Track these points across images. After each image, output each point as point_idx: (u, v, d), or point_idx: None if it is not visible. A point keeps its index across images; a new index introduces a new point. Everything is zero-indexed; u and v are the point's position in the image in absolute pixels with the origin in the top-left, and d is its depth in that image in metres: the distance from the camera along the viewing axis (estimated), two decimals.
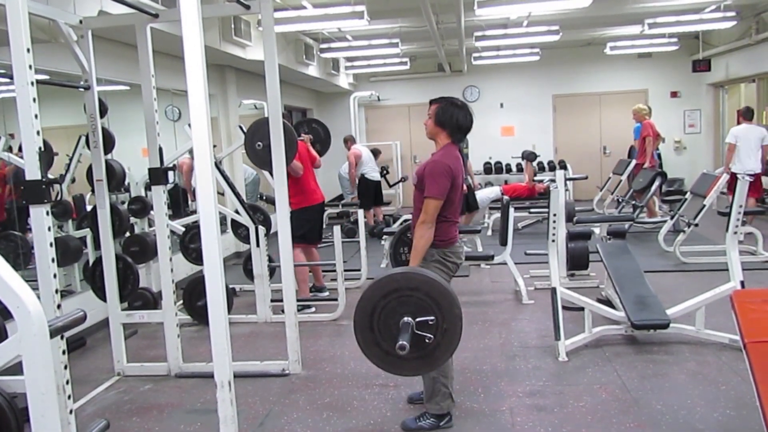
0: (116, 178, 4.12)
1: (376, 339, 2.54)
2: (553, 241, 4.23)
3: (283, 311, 3.88)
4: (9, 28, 2.39)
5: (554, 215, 4.29)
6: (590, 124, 11.80)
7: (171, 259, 3.88)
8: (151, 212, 4.80)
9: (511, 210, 5.57)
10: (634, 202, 7.72)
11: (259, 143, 4.09)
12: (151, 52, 3.72)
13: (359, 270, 5.90)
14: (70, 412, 2.61)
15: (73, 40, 3.49)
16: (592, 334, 3.97)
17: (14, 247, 4.43)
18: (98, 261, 3.98)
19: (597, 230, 6.23)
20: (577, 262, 5.29)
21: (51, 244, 2.58)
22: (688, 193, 6.96)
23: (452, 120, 2.93)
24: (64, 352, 2.58)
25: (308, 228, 5.22)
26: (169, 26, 4.77)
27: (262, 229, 4.94)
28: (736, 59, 9.81)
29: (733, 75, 10.04)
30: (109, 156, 4.07)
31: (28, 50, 2.42)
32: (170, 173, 3.92)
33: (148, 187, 4.77)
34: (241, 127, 5.46)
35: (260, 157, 4.12)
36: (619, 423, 2.98)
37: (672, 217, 6.82)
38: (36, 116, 2.46)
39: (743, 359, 2.32)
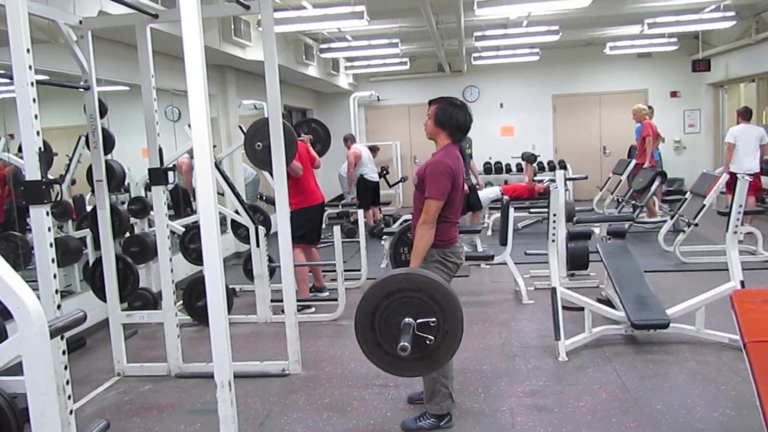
0: (116, 179, 4.12)
1: (376, 339, 2.55)
2: (553, 241, 4.23)
3: (283, 311, 3.88)
4: (9, 28, 2.39)
5: (554, 215, 4.29)
6: (590, 124, 11.80)
7: (171, 260, 3.88)
8: (151, 212, 4.80)
9: (511, 210, 5.57)
10: (634, 202, 7.73)
11: (259, 143, 4.09)
12: (151, 53, 3.72)
13: (359, 270, 5.90)
14: (70, 412, 2.61)
15: (72, 41, 3.49)
16: (592, 334, 3.97)
17: (14, 247, 4.42)
18: (98, 261, 3.98)
19: (597, 230, 6.23)
20: (577, 262, 5.29)
21: (51, 245, 2.58)
22: (688, 193, 6.97)
23: (452, 120, 2.93)
24: (64, 353, 2.58)
25: (308, 228, 5.22)
26: (169, 26, 4.77)
27: (262, 230, 4.94)
28: (735, 59, 9.81)
29: (732, 75, 10.05)
30: (109, 156, 4.07)
31: (28, 50, 2.42)
32: (170, 173, 3.92)
33: (148, 188, 4.77)
34: (240, 128, 5.46)
35: (260, 158, 4.12)
36: (619, 423, 2.98)
37: (672, 217, 6.83)
38: (36, 117, 2.46)
39: (743, 359, 2.32)
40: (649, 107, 9.34)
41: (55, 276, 2.61)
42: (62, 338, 2.56)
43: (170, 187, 6.61)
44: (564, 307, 4.01)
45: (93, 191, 3.82)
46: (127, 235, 4.54)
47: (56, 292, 2.62)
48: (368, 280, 5.81)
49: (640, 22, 8.19)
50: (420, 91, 11.55)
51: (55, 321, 1.60)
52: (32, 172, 2.54)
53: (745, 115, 7.34)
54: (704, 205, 6.28)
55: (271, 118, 3.74)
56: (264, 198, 8.01)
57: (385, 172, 10.73)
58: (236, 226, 5.51)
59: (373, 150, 9.59)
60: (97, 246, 4.08)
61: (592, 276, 5.56)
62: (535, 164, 9.81)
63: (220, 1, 5.61)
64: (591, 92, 11.67)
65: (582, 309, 4.02)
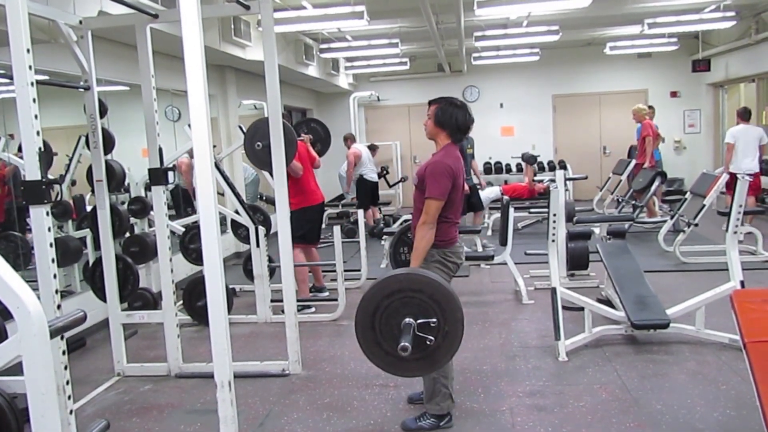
0: (116, 179, 4.12)
1: (376, 338, 2.55)
2: (553, 241, 4.23)
3: (283, 311, 3.88)
4: (9, 28, 2.39)
5: (554, 215, 4.29)
6: (590, 124, 11.80)
7: (171, 260, 3.87)
8: (151, 212, 4.80)
9: (511, 210, 5.57)
10: (634, 202, 7.73)
11: (259, 143, 4.08)
12: (151, 53, 3.72)
13: (359, 270, 5.90)
14: (70, 412, 2.61)
15: (72, 41, 3.49)
16: (592, 334, 3.97)
17: (14, 247, 4.42)
18: (98, 261, 3.98)
19: (597, 230, 6.23)
20: (577, 262, 5.29)
21: (51, 245, 2.58)
22: (688, 193, 6.97)
23: (452, 120, 2.93)
24: (64, 353, 2.58)
25: (308, 228, 5.22)
26: (169, 26, 4.77)
27: (262, 230, 4.94)
28: (735, 59, 9.81)
29: (732, 75, 10.05)
30: (109, 156, 4.07)
31: (28, 51, 2.42)
32: (170, 173, 3.92)
33: (148, 188, 4.77)
34: (240, 127, 5.46)
35: (260, 158, 4.12)
36: (619, 423, 2.98)
37: (672, 217, 6.83)
38: (36, 116, 2.46)
39: (743, 359, 2.32)
40: (651, 107, 9.35)
41: (55, 276, 2.61)
42: (62, 338, 2.56)
43: (171, 187, 6.63)
44: (564, 307, 4.01)
45: (93, 191, 3.82)
46: (127, 235, 4.53)
47: (56, 292, 2.62)
48: (368, 280, 5.81)
49: (640, 22, 8.19)
50: (420, 91, 11.55)
51: (55, 321, 1.60)
52: (32, 172, 2.54)
53: (744, 115, 7.35)
54: (704, 205, 6.28)
55: (271, 118, 3.74)
56: (264, 198, 8.01)
57: (385, 172, 10.73)
58: (236, 226, 5.51)
59: (373, 148, 9.59)
60: (97, 246, 4.08)
61: (592, 276, 5.56)
62: (534, 165, 9.82)
63: (220, 1, 5.61)
64: (591, 92, 11.67)
65: (582, 309, 4.02)
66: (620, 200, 8.50)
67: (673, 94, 11.44)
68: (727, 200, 6.71)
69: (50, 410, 1.53)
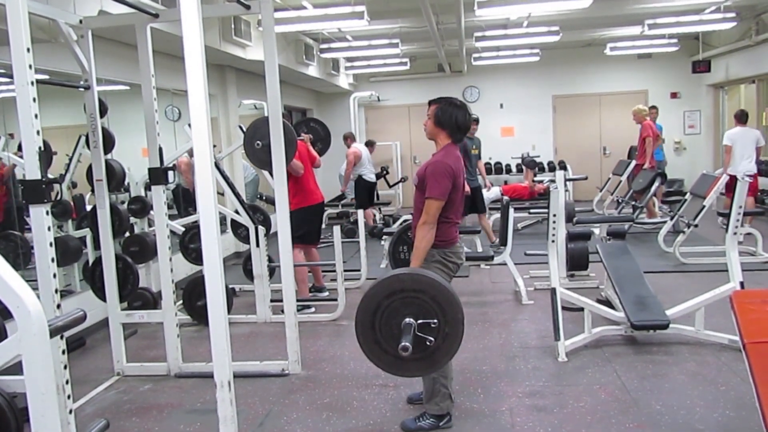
0: (116, 178, 4.12)
1: (376, 338, 2.55)
2: (553, 241, 4.23)
3: (282, 311, 3.88)
4: (9, 27, 2.39)
5: (554, 216, 4.29)
6: (590, 124, 11.80)
7: (171, 259, 3.87)
8: (151, 212, 4.80)
9: (511, 210, 5.57)
10: (633, 203, 7.73)
11: (259, 142, 4.07)
12: (151, 52, 3.72)
13: (359, 270, 5.90)
14: (70, 411, 2.62)
15: (73, 40, 3.49)
16: (591, 335, 3.97)
17: (14, 246, 4.42)
18: (98, 261, 3.98)
19: (597, 231, 6.23)
20: (576, 262, 5.29)
21: (51, 244, 2.58)
22: (688, 194, 6.97)
23: (451, 120, 2.93)
24: (63, 352, 2.58)
25: (307, 229, 5.21)
26: (169, 26, 4.77)
27: (261, 229, 4.94)
28: (735, 60, 9.82)
29: (733, 76, 10.05)
30: (109, 156, 4.07)
31: (28, 50, 2.42)
32: (170, 173, 3.92)
33: (148, 187, 4.77)
34: (240, 127, 5.46)
35: (260, 157, 4.12)
36: (619, 423, 2.98)
37: (672, 218, 6.83)
38: (36, 116, 2.46)
39: (743, 360, 2.32)
40: (654, 107, 9.36)
41: (54, 275, 2.61)
42: (62, 338, 2.56)
43: (172, 186, 6.63)
44: (564, 308, 4.01)
45: (93, 191, 3.82)
46: (127, 234, 4.53)
47: (56, 291, 2.62)
48: (368, 280, 5.81)
49: (640, 22, 8.19)
50: (420, 91, 11.55)
51: (54, 320, 1.60)
52: (32, 171, 2.54)
53: (741, 118, 7.37)
54: (704, 206, 6.28)
55: (272, 118, 3.74)
56: (264, 198, 8.01)
57: (385, 172, 10.73)
58: (236, 226, 5.51)
59: (370, 144, 9.59)
60: (96, 245, 4.07)
61: (591, 276, 5.57)
62: (535, 168, 9.86)
63: (220, 1, 5.60)
64: (591, 93, 11.67)
65: (582, 309, 4.02)
66: (620, 201, 8.50)
67: (673, 95, 11.45)
68: (726, 202, 6.72)
69: (50, 410, 1.53)
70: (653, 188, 7.44)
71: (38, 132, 2.49)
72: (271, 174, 3.96)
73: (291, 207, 4.40)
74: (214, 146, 6.91)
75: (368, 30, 8.01)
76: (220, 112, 7.74)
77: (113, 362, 3.93)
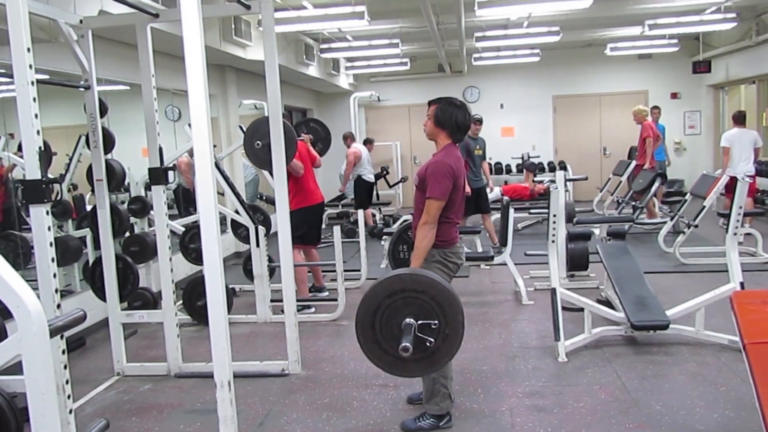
0: (116, 178, 4.12)
1: (376, 337, 2.54)
2: (553, 241, 4.23)
3: (282, 311, 3.88)
4: (9, 27, 2.39)
5: (554, 216, 4.29)
6: (590, 125, 11.80)
7: (171, 259, 3.87)
8: (151, 212, 4.80)
9: (511, 210, 5.57)
10: (634, 203, 7.73)
11: (258, 142, 4.07)
12: (151, 52, 3.72)
13: (359, 270, 5.90)
14: (70, 411, 2.62)
15: (73, 40, 3.49)
16: (591, 335, 3.97)
17: (14, 246, 4.42)
18: (98, 261, 3.98)
19: (597, 231, 6.23)
20: (576, 262, 5.29)
21: (51, 244, 2.58)
22: (688, 195, 6.97)
23: (451, 120, 2.93)
24: (63, 352, 2.58)
25: (306, 229, 5.20)
26: (170, 26, 4.77)
27: (261, 229, 4.94)
28: (736, 61, 9.81)
29: (733, 76, 10.05)
30: (109, 156, 4.07)
31: (29, 50, 2.42)
32: (170, 173, 3.92)
33: (148, 187, 4.77)
34: (241, 127, 5.46)
35: (260, 157, 4.12)
36: (619, 423, 2.98)
37: (672, 218, 6.83)
38: (36, 116, 2.46)
39: (743, 360, 2.32)
40: (657, 108, 9.35)
41: (54, 275, 2.61)
42: (62, 337, 2.56)
43: (172, 186, 6.64)
44: (564, 308, 4.01)
45: (93, 191, 3.82)
46: (127, 234, 4.53)
47: (56, 291, 2.62)
48: (368, 280, 5.81)
49: (640, 23, 8.19)
50: (420, 91, 11.55)
51: (54, 320, 1.60)
52: (32, 171, 2.54)
53: (739, 119, 7.37)
54: (704, 207, 6.28)
55: (272, 118, 3.74)
56: (264, 198, 8.01)
57: (385, 172, 10.73)
58: (236, 226, 5.51)
59: (368, 142, 9.56)
60: (96, 245, 4.08)
61: (591, 277, 5.57)
62: (535, 171, 9.87)
63: (220, 1, 5.60)
64: (591, 93, 11.67)
65: (582, 310, 4.02)
66: (620, 201, 8.50)
67: (674, 96, 11.44)
68: (726, 202, 6.72)
69: (50, 409, 1.53)
70: (653, 189, 7.44)
71: (38, 132, 2.49)
72: (271, 174, 3.96)
73: (291, 207, 4.40)
74: (214, 146, 6.91)
75: (368, 30, 8.01)
76: (220, 112, 7.74)
77: (113, 362, 3.93)
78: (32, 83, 2.44)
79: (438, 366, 2.63)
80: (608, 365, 3.70)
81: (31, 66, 2.43)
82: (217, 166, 4.86)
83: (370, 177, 8.84)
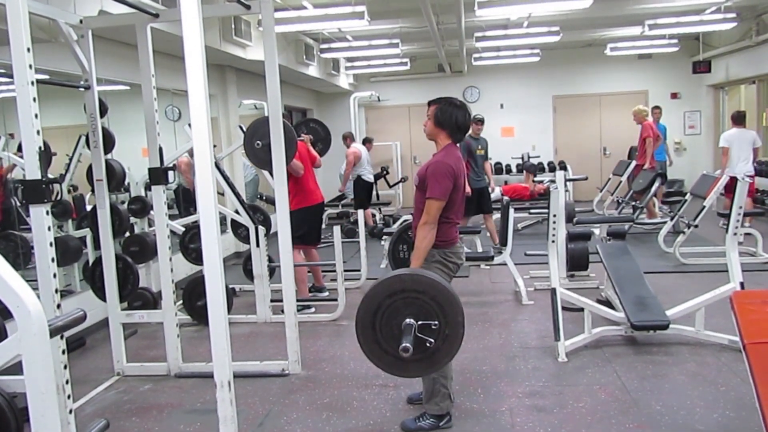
0: (116, 178, 4.12)
1: (376, 337, 2.54)
2: (553, 241, 4.23)
3: (282, 311, 3.88)
4: (9, 27, 2.39)
5: (554, 216, 4.29)
6: (590, 125, 11.80)
7: (171, 259, 3.87)
8: (151, 212, 4.79)
9: (511, 210, 5.57)
10: (634, 203, 7.73)
11: (258, 142, 4.07)
12: (151, 52, 3.72)
13: (359, 270, 5.90)
14: (70, 411, 2.62)
15: (73, 40, 3.49)
16: (591, 335, 3.97)
17: (14, 246, 4.42)
18: (98, 261, 3.98)
19: (597, 231, 6.23)
20: (576, 262, 5.29)
21: (51, 244, 2.58)
22: (688, 195, 6.97)
23: (451, 120, 2.93)
24: (63, 352, 2.58)
25: (306, 229, 5.20)
26: (170, 26, 4.77)
27: (261, 229, 4.94)
28: (736, 61, 9.81)
29: (733, 76, 10.05)
30: (109, 156, 4.07)
31: (29, 50, 2.42)
32: (170, 173, 3.92)
33: (148, 187, 4.77)
34: (241, 127, 5.46)
35: (260, 157, 4.12)
36: (619, 424, 2.98)
37: (672, 218, 6.83)
38: (36, 116, 2.46)
39: (743, 360, 2.32)
40: (658, 108, 9.35)
41: (54, 275, 2.61)
42: (62, 337, 2.56)
43: (172, 186, 6.63)
44: (564, 308, 4.01)
45: (93, 191, 3.82)
46: (127, 234, 4.53)
47: (56, 291, 2.62)
48: (368, 280, 5.81)
49: (640, 23, 8.19)
50: (420, 91, 11.55)
51: (54, 320, 1.60)
52: (32, 171, 2.54)
53: (738, 119, 7.38)
54: (704, 207, 6.28)
55: (272, 118, 3.74)
56: (264, 198, 8.01)
57: (385, 172, 10.73)
58: (236, 226, 5.51)
59: (367, 141, 9.56)
60: (96, 245, 4.08)
61: (592, 277, 5.56)
62: (535, 172, 9.87)
63: (220, 1, 5.60)
64: (591, 93, 11.67)
65: (582, 310, 4.02)
66: (620, 201, 8.50)
67: (674, 96, 11.44)
68: (726, 202, 6.72)
69: (50, 409, 1.53)
70: (653, 189, 7.44)
71: (38, 132, 2.49)
72: (271, 174, 3.96)
73: (291, 207, 4.40)
74: (214, 146, 6.91)
75: (368, 30, 8.01)
76: (220, 112, 7.74)
77: (113, 362, 3.93)
78: (32, 83, 2.44)
79: (438, 366, 2.63)
80: (608, 365, 3.70)
81: (31, 66, 2.43)
82: (217, 166, 4.86)
83: (369, 177, 8.84)
